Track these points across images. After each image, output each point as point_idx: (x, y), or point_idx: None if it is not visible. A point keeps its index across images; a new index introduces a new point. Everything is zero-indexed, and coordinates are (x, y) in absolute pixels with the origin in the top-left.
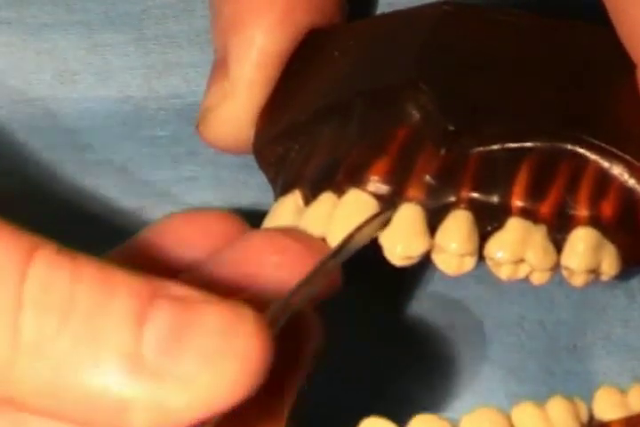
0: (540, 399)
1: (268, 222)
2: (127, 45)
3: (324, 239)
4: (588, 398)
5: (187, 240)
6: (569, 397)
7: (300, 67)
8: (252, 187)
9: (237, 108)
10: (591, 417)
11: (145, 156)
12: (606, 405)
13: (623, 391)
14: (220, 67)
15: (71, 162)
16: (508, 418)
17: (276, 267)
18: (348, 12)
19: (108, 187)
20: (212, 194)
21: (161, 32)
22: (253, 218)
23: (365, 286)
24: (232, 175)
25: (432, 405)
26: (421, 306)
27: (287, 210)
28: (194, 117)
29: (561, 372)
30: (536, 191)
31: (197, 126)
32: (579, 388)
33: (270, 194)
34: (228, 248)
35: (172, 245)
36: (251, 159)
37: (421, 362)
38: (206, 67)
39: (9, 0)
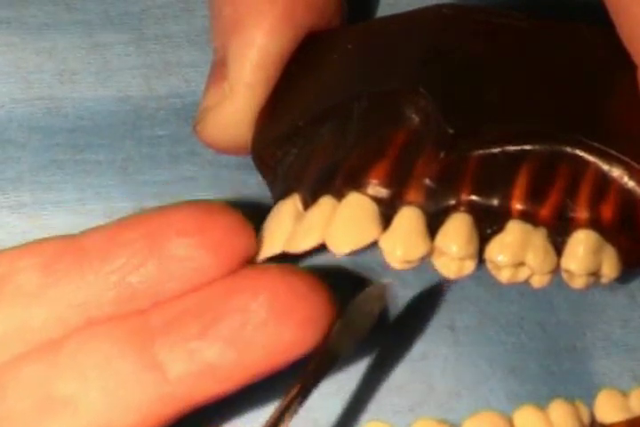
0: (541, 400)
1: (268, 227)
2: (127, 45)
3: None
4: (589, 399)
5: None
6: (570, 399)
7: (299, 70)
8: (251, 187)
9: (236, 108)
10: (593, 420)
11: (145, 156)
12: (608, 407)
13: (625, 394)
14: (219, 67)
15: (71, 162)
16: (510, 421)
17: (276, 332)
18: (348, 12)
19: (108, 187)
20: (212, 194)
21: (161, 32)
22: (253, 218)
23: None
24: (232, 175)
25: (433, 405)
26: (421, 306)
27: (286, 214)
28: (194, 117)
29: (561, 372)
30: (536, 194)
31: (195, 126)
32: (579, 388)
33: (270, 194)
34: (232, 296)
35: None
36: (250, 159)
37: (421, 362)
38: (206, 67)
39: (9, 0)
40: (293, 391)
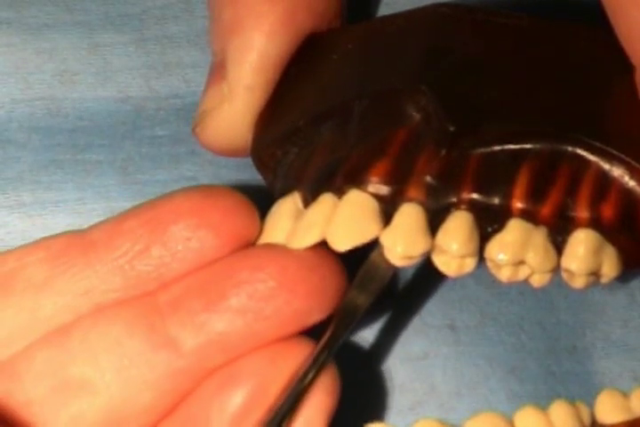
0: (541, 399)
1: (268, 224)
2: (127, 46)
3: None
4: (588, 399)
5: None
6: (571, 401)
7: (299, 71)
8: (251, 187)
9: (235, 111)
10: (593, 421)
11: (145, 156)
12: (609, 408)
13: (625, 395)
14: (218, 69)
15: (71, 162)
16: (511, 423)
17: (286, 302)
18: (348, 12)
19: (108, 186)
20: None
21: (161, 33)
22: None
23: None
24: (232, 175)
25: (433, 405)
26: (421, 306)
27: (286, 212)
28: (194, 117)
29: (561, 372)
30: (536, 193)
31: (194, 128)
32: (579, 388)
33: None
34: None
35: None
36: (250, 159)
37: (422, 362)
38: (206, 67)
39: (9, 0)
40: (318, 348)
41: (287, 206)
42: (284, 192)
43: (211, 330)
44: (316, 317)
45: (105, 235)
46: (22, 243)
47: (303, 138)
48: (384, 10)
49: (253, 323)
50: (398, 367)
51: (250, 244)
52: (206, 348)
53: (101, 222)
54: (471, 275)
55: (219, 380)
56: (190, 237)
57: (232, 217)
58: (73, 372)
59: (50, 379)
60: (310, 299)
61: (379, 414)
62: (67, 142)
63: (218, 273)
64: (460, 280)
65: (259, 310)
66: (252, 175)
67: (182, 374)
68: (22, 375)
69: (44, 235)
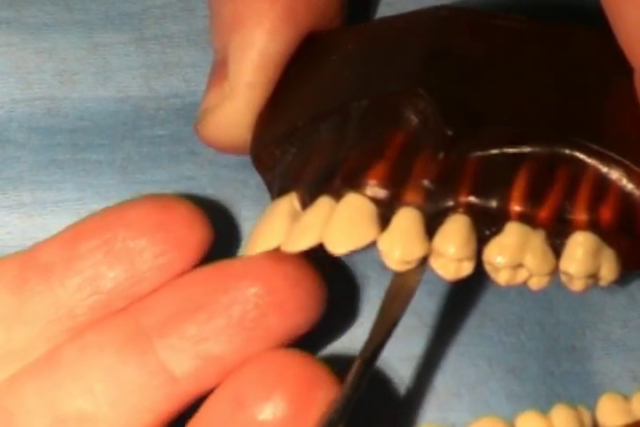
0: (540, 400)
1: (263, 223)
2: (127, 45)
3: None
4: (588, 399)
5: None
6: (571, 401)
7: (298, 71)
8: (251, 186)
9: (236, 109)
10: (595, 424)
11: (145, 155)
12: (610, 411)
13: (627, 398)
14: (219, 67)
15: (71, 162)
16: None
17: (275, 321)
18: (348, 11)
19: (108, 186)
20: (212, 194)
21: (161, 32)
22: (252, 218)
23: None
24: (232, 175)
25: (432, 405)
26: (421, 306)
27: (283, 212)
28: (194, 117)
29: (560, 372)
30: (534, 196)
31: (196, 126)
32: (578, 388)
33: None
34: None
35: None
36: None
37: (421, 362)
38: (206, 67)
39: (9, 0)
40: (357, 362)
41: (284, 207)
42: (282, 192)
43: (204, 354)
44: (301, 331)
45: (61, 259)
46: (22, 243)
47: (302, 138)
48: (384, 10)
49: (246, 344)
50: (398, 367)
51: (207, 252)
52: (201, 371)
53: (50, 242)
54: (471, 276)
55: (232, 396)
56: (154, 254)
57: (190, 229)
58: (68, 406)
59: (45, 415)
60: (297, 315)
61: (378, 414)
62: (67, 142)
63: (203, 294)
64: (460, 281)
65: (250, 330)
66: (251, 175)
67: (178, 397)
68: (14, 413)
69: (43, 235)
